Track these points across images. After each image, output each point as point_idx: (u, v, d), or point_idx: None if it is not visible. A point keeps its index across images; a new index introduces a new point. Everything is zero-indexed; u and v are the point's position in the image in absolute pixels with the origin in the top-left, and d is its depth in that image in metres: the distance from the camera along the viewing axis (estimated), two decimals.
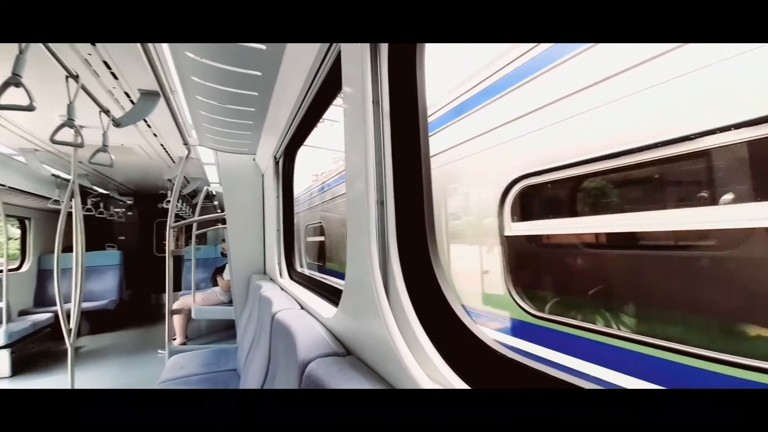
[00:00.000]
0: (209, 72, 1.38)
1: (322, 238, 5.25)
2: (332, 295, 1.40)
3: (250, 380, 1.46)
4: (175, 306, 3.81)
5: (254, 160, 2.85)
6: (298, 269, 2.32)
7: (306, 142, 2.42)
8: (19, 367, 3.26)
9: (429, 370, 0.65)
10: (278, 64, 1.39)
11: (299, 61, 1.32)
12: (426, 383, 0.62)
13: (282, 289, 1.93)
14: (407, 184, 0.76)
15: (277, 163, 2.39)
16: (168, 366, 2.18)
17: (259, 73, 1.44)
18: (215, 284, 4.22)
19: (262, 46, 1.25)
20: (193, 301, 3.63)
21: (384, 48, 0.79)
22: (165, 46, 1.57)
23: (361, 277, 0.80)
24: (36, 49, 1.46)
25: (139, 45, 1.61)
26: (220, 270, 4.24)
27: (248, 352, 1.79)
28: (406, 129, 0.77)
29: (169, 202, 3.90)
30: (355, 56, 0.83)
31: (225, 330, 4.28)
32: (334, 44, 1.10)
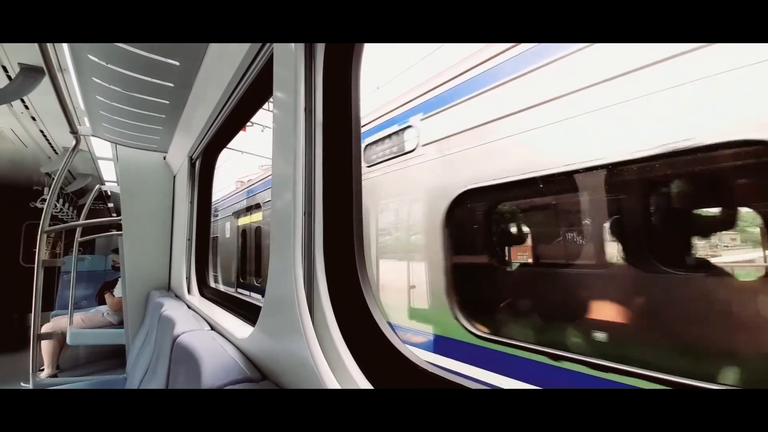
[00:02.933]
0: (112, 52, 1.22)
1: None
2: (251, 314, 1.29)
3: None
4: (45, 329, 3.15)
5: (165, 158, 2.55)
6: (212, 284, 2.11)
7: (230, 145, 2.25)
8: None
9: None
10: (201, 55, 1.29)
11: (226, 56, 1.24)
12: None
13: (189, 307, 1.73)
14: (337, 196, 0.75)
15: (193, 164, 2.17)
16: None
17: (177, 63, 1.32)
18: (102, 302, 3.60)
19: (179, 44, 1.15)
20: (70, 323, 3.04)
21: (320, 55, 0.78)
22: None
23: (283, 292, 0.75)
24: None
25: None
26: (110, 285, 3.63)
27: (140, 383, 1.54)
28: (339, 140, 0.76)
29: (44, 200, 3.27)
30: (289, 60, 0.80)
31: (111, 358, 3.64)
32: (267, 44, 1.05)
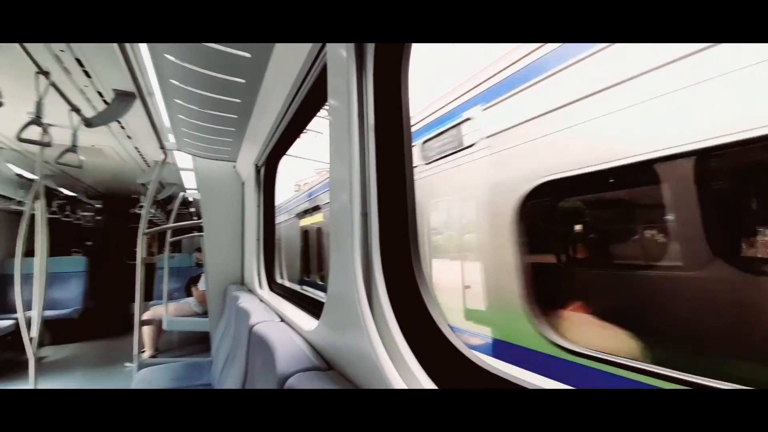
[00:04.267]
0: (190, 76, 1.36)
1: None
2: (314, 308, 1.38)
3: None
4: (146, 316, 3.64)
5: (234, 167, 2.79)
6: (278, 280, 2.27)
7: (289, 152, 2.40)
8: None
9: (412, 385, 0.65)
10: (262, 72, 1.38)
11: (284, 71, 1.32)
12: None
13: (261, 300, 1.88)
14: (391, 196, 0.76)
15: (258, 171, 2.35)
16: (136, 380, 2.07)
17: (243, 81, 1.43)
18: (189, 294, 4.06)
19: (246, 54, 1.24)
20: (165, 312, 3.48)
21: (369, 59, 0.80)
22: (143, 46, 1.53)
23: (344, 289, 0.79)
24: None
25: (115, 44, 1.57)
26: (194, 280, 4.08)
27: (223, 366, 1.72)
28: (391, 141, 0.78)
29: (142, 207, 3.76)
30: (341, 67, 0.83)
31: (199, 343, 4.10)
32: (320, 56, 1.10)
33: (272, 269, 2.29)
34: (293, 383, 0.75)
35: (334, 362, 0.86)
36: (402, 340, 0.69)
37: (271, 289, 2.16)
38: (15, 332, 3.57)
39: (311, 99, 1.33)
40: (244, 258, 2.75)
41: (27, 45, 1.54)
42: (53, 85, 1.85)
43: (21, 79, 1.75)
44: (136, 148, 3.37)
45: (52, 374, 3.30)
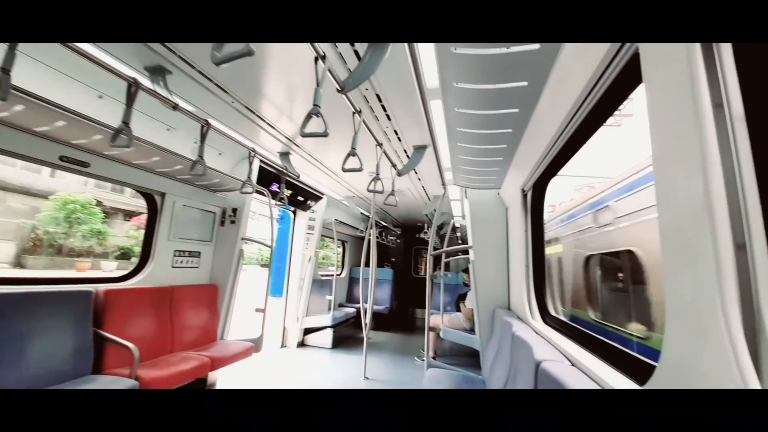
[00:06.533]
0: (471, 120, 1.49)
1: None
2: (612, 356, 1.07)
3: None
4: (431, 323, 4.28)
5: (498, 194, 2.84)
6: (552, 313, 2.02)
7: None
8: (335, 343, 4.61)
9: None
10: (536, 98, 1.31)
11: (564, 89, 1.18)
12: None
13: (536, 332, 1.72)
14: None
15: (525, 196, 2.25)
16: (427, 376, 2.41)
17: (516, 110, 1.41)
18: (458, 309, 4.45)
19: (523, 83, 1.21)
20: (442, 322, 3.96)
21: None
22: (438, 106, 1.86)
23: (698, 351, 0.53)
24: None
25: (421, 108, 1.99)
26: (462, 297, 4.44)
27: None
28: None
29: (425, 233, 4.55)
30: (672, 50, 0.61)
31: (466, 356, 4.38)
32: (620, 53, 0.89)
33: (544, 299, 2.07)
34: None
35: None
36: None
37: (545, 321, 1.94)
38: (356, 317, 5.21)
39: (600, 107, 1.11)
40: (510, 283, 2.68)
41: (371, 126, 2.25)
42: (384, 152, 2.59)
43: (365, 151, 2.57)
44: (423, 187, 4.17)
45: (375, 351, 4.50)
